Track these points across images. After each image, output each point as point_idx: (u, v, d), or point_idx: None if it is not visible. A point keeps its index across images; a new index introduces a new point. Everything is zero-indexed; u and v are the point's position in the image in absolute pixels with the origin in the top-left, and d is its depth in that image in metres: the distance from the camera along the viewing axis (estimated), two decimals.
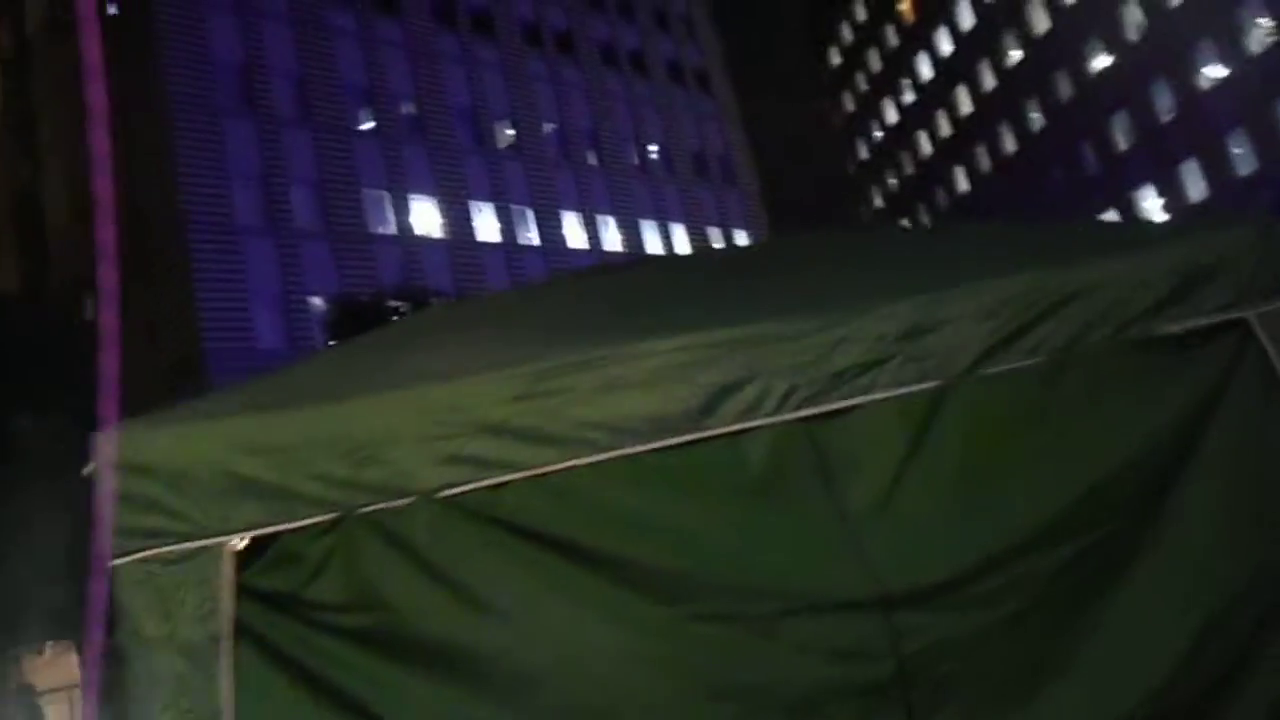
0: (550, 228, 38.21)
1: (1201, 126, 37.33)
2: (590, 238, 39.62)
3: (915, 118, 60.98)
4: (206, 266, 27.51)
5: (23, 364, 32.54)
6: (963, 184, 57.07)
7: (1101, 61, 43.33)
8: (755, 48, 77.92)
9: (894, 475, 2.16)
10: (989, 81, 52.25)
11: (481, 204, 36.24)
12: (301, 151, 31.03)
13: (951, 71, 55.61)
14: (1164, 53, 38.68)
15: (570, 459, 2.01)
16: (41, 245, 37.31)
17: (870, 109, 67.27)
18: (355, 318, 21.64)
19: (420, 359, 2.25)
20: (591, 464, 2.01)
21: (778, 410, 2.13)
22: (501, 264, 35.73)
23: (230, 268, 28.00)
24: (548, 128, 40.13)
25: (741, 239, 46.39)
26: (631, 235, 41.25)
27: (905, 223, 59.02)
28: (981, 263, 2.50)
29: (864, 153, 69.80)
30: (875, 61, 65.43)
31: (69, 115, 35.30)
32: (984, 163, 54.17)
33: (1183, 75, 38.43)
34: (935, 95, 57.86)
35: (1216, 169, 37.41)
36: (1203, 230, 2.58)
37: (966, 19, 53.38)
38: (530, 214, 37.78)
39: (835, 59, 71.17)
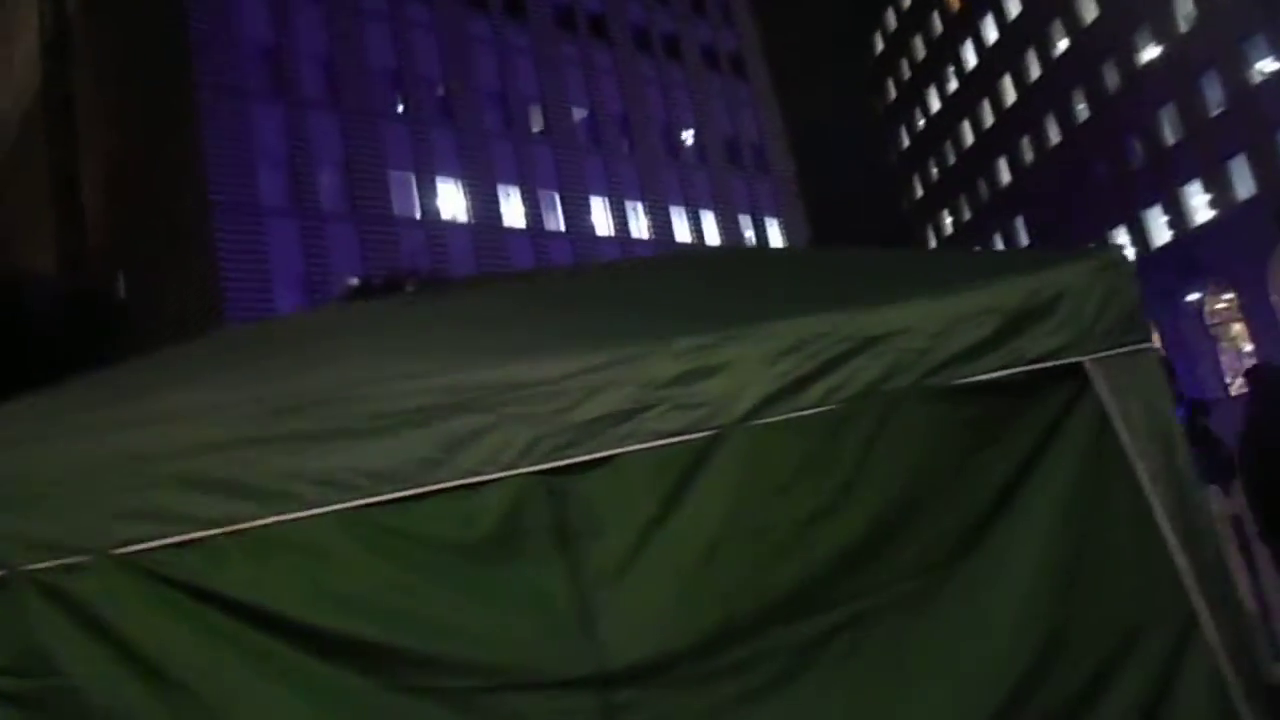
0: (577, 214, 38.01)
1: (1252, 121, 36.14)
2: (618, 225, 39.36)
3: (959, 106, 59.88)
4: (231, 248, 27.72)
5: (55, 343, 33.22)
6: (1005, 175, 55.98)
7: (1150, 53, 42.11)
8: (796, 34, 76.98)
9: (640, 536, 1.97)
10: (1034, 70, 51.10)
11: (509, 188, 36.11)
12: (328, 134, 31.10)
13: (996, 60, 54.47)
14: (1215, 45, 37.48)
15: (273, 515, 1.84)
16: (80, 225, 37.99)
17: (913, 97, 66.18)
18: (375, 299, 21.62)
19: (164, 394, 2.10)
20: (296, 520, 1.84)
21: (517, 462, 1.96)
22: (527, 249, 35.63)
23: (254, 249, 28.19)
24: (578, 113, 39.83)
25: (774, 228, 45.90)
26: (661, 223, 40.93)
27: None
28: (784, 299, 2.30)
29: (906, 141, 68.71)
30: (920, 48, 64.33)
31: (108, 97, 35.88)
32: (1027, 154, 53.06)
33: (1234, 69, 37.21)
34: (979, 84, 56.74)
35: (1265, 166, 36.20)
36: (1045, 266, 2.35)
37: (1014, 7, 52.22)
38: (557, 199, 37.59)
39: (879, 45, 70.08)
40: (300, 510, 1.84)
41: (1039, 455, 2.27)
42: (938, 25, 61.34)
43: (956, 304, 2.22)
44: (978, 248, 54.95)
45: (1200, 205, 40.39)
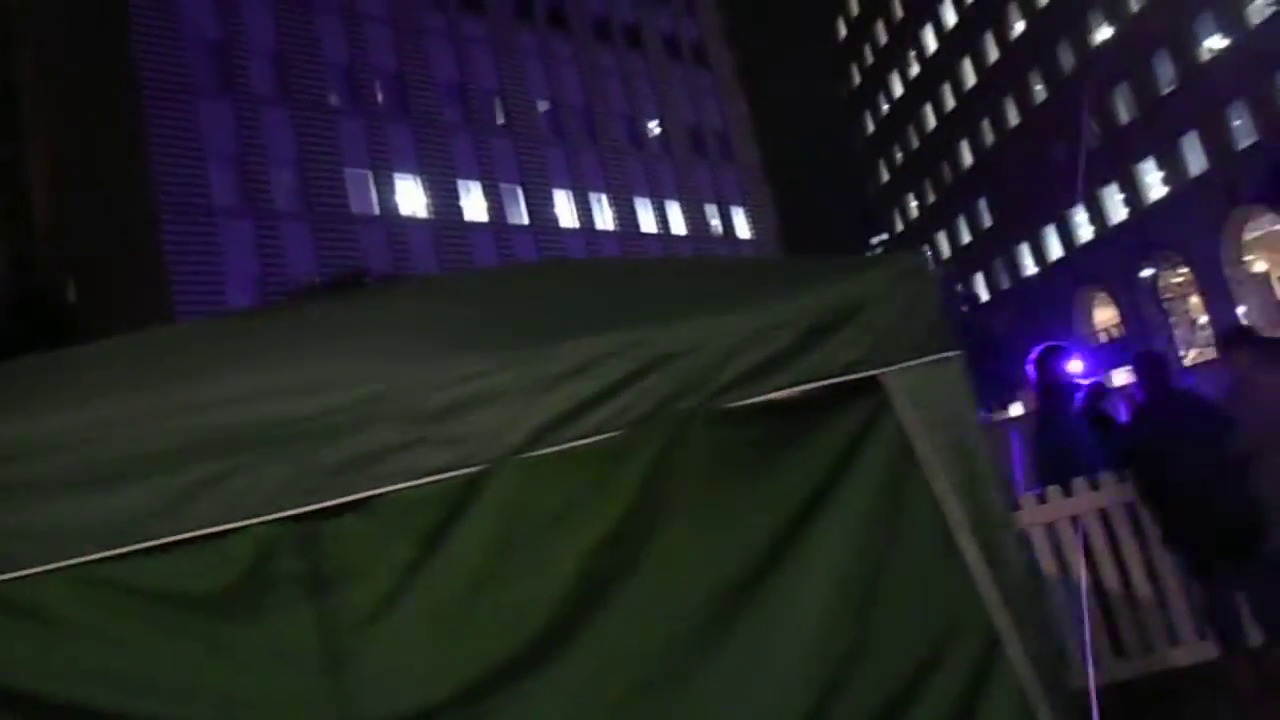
0: (541, 207, 37.79)
1: (1201, 99, 36.48)
2: (582, 217, 39.17)
3: (920, 90, 60.07)
4: (180, 249, 27.31)
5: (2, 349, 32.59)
6: (967, 157, 56.23)
7: (1103, 33, 42.42)
8: (761, 21, 76.87)
9: (396, 582, 1.88)
10: (993, 53, 51.31)
11: (469, 183, 35.84)
12: (280, 131, 30.69)
13: (955, 43, 54.66)
14: (1165, 24, 37.78)
15: None
16: (27, 225, 37.31)
17: (877, 82, 66.34)
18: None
19: None
20: (14, 580, 1.73)
21: (264, 508, 1.85)
22: (490, 244, 35.41)
23: (205, 250, 27.80)
24: (538, 104, 39.57)
25: (740, 217, 45.88)
26: (626, 214, 40.79)
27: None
28: (578, 316, 2.20)
29: (871, 126, 68.88)
30: (881, 33, 64.46)
31: (51, 91, 35.16)
32: (988, 136, 53.31)
33: (1183, 47, 37.52)
34: (940, 68, 56.92)
35: (1215, 142, 36.59)
36: (845, 275, 2.28)
37: None
38: (520, 192, 37.35)
39: (843, 31, 70.14)
40: (19, 569, 1.73)
41: (839, 472, 2.20)
42: (898, 10, 61.45)
43: (749, 319, 2.14)
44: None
45: (1154, 183, 40.78)
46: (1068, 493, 4.90)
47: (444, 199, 34.68)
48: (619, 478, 2.02)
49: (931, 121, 59.51)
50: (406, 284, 3.07)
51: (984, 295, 55.78)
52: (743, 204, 45.94)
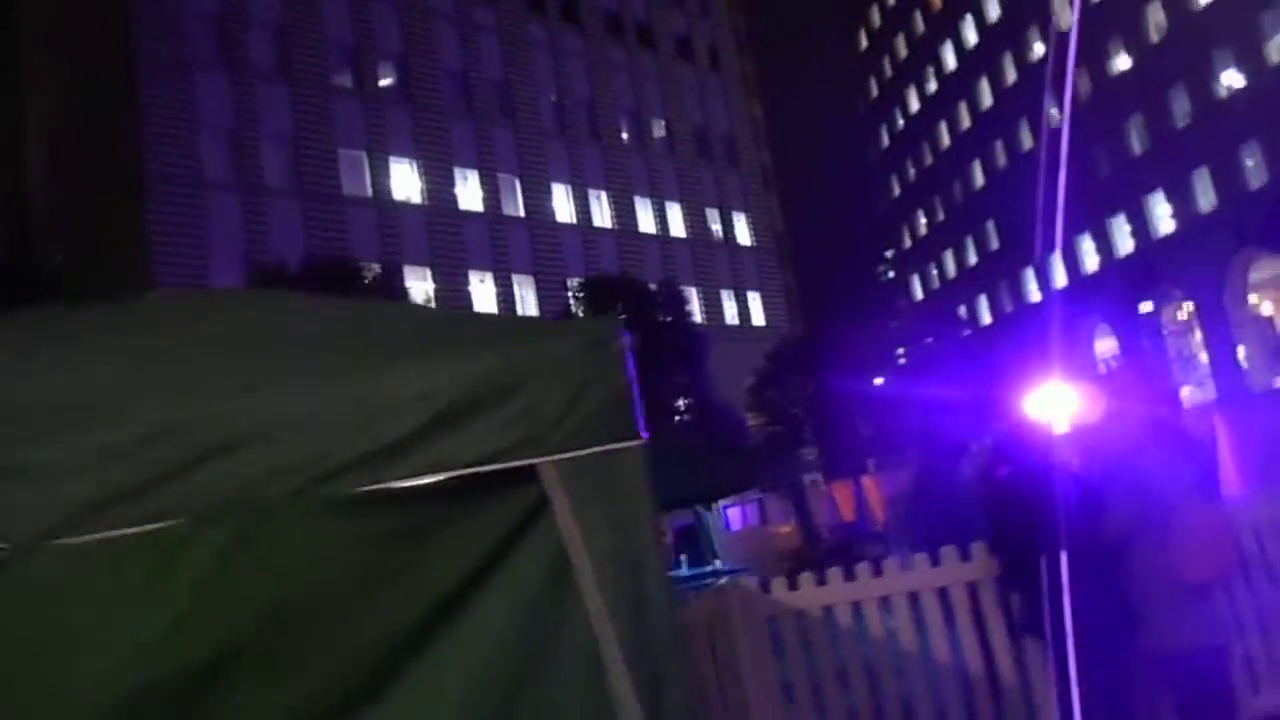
0: (538, 200, 37.47)
1: (1216, 135, 35.97)
2: (580, 212, 38.84)
3: (937, 108, 59.54)
4: (166, 221, 27.07)
5: None
6: (979, 178, 55.70)
7: (1122, 63, 41.89)
8: (782, 26, 76.35)
9: None
10: (1010, 75, 50.78)
11: (467, 171, 35.54)
12: (277, 107, 30.44)
13: (974, 63, 54.14)
14: (1183, 58, 37.25)
15: None
16: (23, 196, 37.12)
17: (894, 96, 65.79)
18: (320, 281, 20.93)
19: None
20: None
21: None
22: (484, 233, 35.12)
23: (191, 224, 27.57)
24: (543, 97, 39.24)
25: (741, 223, 45.49)
26: (625, 212, 40.44)
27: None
28: (141, 381, 1.82)
29: (886, 140, 68.33)
30: (902, 48, 63.92)
31: (50, 62, 34.96)
32: (1000, 159, 52.77)
33: (1201, 82, 36.98)
34: (958, 86, 56.39)
35: (1227, 180, 36.08)
36: (508, 343, 1.91)
37: (993, 10, 51.83)
38: (518, 184, 37.04)
39: (864, 42, 69.59)
40: None
41: (480, 582, 1.83)
42: (920, 25, 60.92)
43: (375, 390, 1.77)
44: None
45: (1163, 216, 40.27)
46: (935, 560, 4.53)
47: (439, 186, 34.39)
48: (175, 573, 1.67)
49: (946, 139, 58.98)
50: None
51: (986, 318, 55.31)
52: (745, 209, 45.58)
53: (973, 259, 57.42)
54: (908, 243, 66.43)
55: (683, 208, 42.67)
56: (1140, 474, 3.89)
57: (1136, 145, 41.54)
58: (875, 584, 4.52)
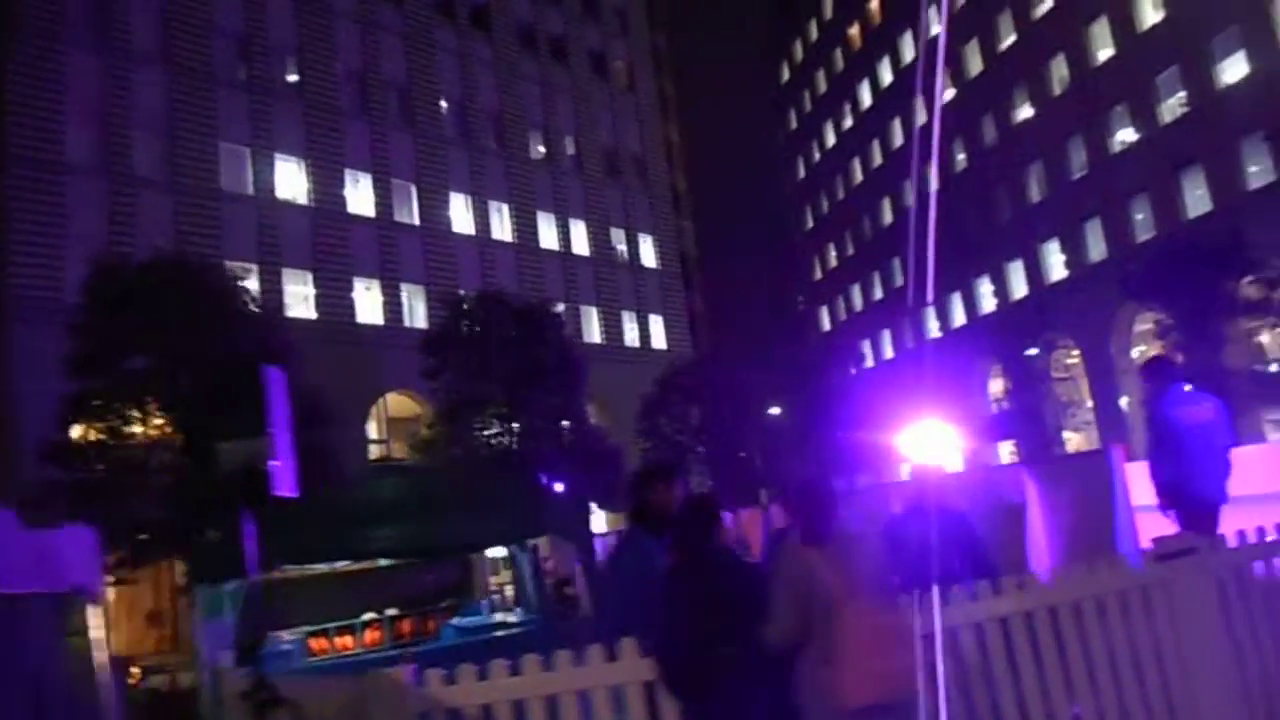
0: (435, 209, 36.35)
1: (1109, 188, 36.83)
2: (479, 224, 37.82)
3: (852, 143, 60.19)
4: (21, 201, 25.29)
5: None
6: (888, 215, 56.35)
7: (1025, 112, 42.76)
8: (703, 52, 76.52)
9: None
10: (921, 115, 51.48)
11: (359, 174, 34.24)
12: (152, 92, 28.79)
13: (889, 102, 54.88)
14: (1082, 110, 38.12)
15: None
16: None
17: (813, 129, 66.41)
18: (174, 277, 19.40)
19: None
20: None
21: None
22: (372, 241, 33.88)
23: (49, 206, 25.81)
24: (446, 103, 38.19)
25: (647, 244, 45.00)
26: (526, 227, 39.54)
27: None
28: None
29: (802, 171, 68.89)
30: (822, 83, 64.59)
31: None
32: (908, 197, 53.43)
33: (1098, 135, 37.86)
34: (872, 124, 57.09)
35: (1117, 231, 36.96)
36: None
37: (908, 52, 52.61)
38: (414, 191, 35.87)
39: (785, 74, 70.20)
40: None
41: None
42: (840, 62, 61.64)
43: None
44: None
45: (1056, 264, 41.10)
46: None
47: (328, 187, 33.05)
48: None
49: (859, 175, 59.64)
50: None
51: (889, 352, 55.87)
52: (652, 231, 45.14)
53: (878, 293, 58.02)
54: (818, 274, 66.91)
55: (587, 226, 41.99)
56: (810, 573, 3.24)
57: (1035, 192, 42.37)
58: (542, 680, 3.78)
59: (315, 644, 11.43)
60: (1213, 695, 4.31)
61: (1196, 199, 34.11)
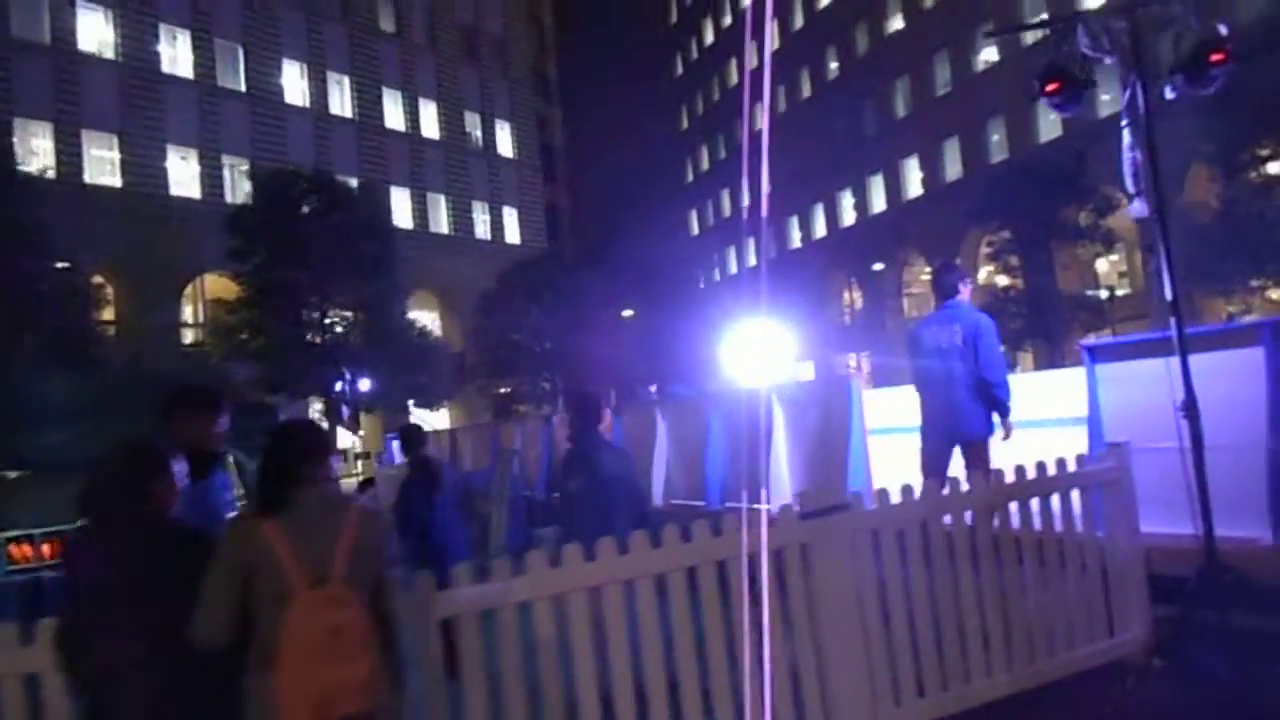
0: (264, 75, 33.34)
1: (968, 108, 36.69)
2: (316, 95, 35.00)
3: (729, 43, 58.61)
4: None
5: None
6: (759, 119, 55.35)
7: (896, 23, 42.08)
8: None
9: None
10: (799, 20, 50.34)
11: (176, 30, 30.96)
12: None
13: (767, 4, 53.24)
14: (951, 26, 37.61)
15: None
16: None
17: (691, 26, 64.34)
18: None
19: None
20: None
21: None
22: (191, 104, 30.89)
23: None
24: None
25: (505, 131, 42.86)
26: (370, 104, 36.86)
27: None
28: None
29: (680, 69, 66.97)
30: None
31: None
32: (781, 103, 52.55)
33: (963, 52, 37.50)
34: (747, 27, 55.47)
35: (973, 151, 37.03)
36: None
37: None
38: (241, 53, 32.73)
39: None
40: None
41: None
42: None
43: None
44: None
45: (915, 180, 41.15)
46: None
47: (139, 42, 29.77)
48: None
49: (734, 78, 58.31)
50: None
51: (753, 259, 55.68)
52: (510, 119, 42.98)
53: (745, 199, 57.44)
54: (690, 177, 65.83)
55: (439, 108, 39.54)
56: None
57: (901, 107, 42.01)
58: None
59: (17, 551, 10.13)
60: (844, 676, 3.57)
61: (1049, 124, 34.29)
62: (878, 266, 38.10)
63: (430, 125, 39.06)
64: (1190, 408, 4.16)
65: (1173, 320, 4.05)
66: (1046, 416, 6.19)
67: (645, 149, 69.18)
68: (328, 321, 22.92)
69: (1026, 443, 6.27)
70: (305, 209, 22.48)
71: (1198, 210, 23.30)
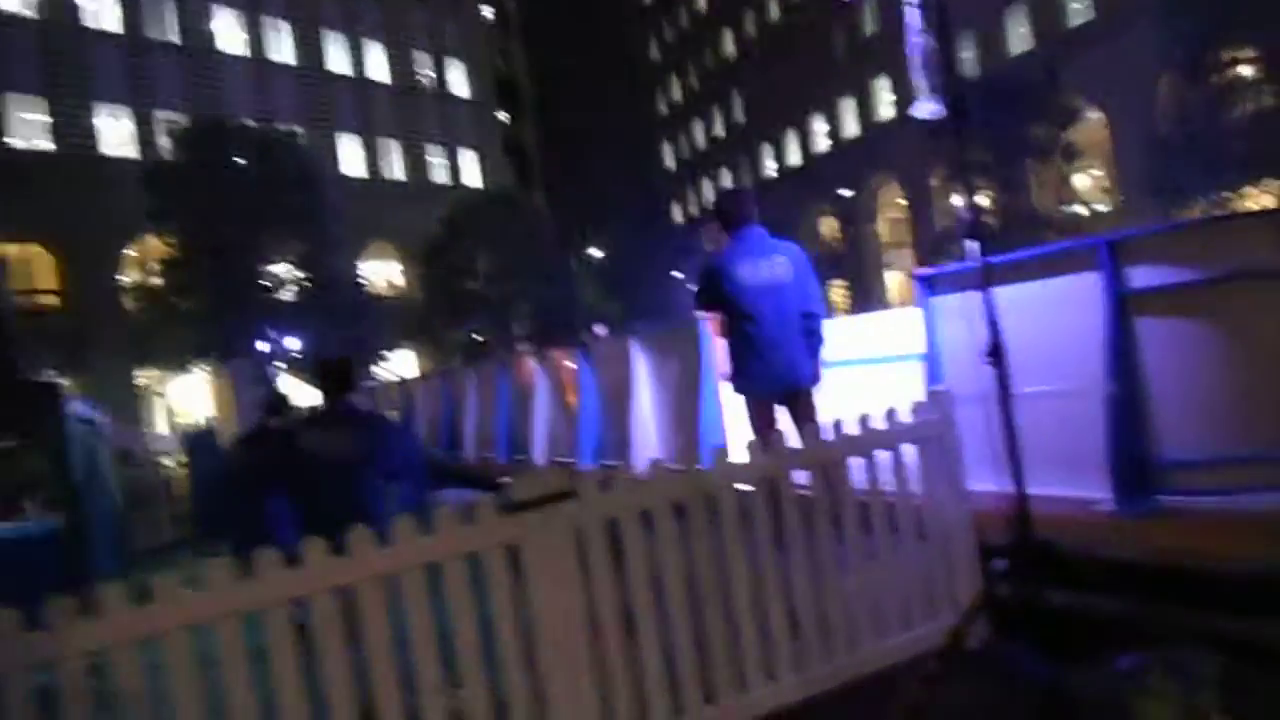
0: (196, 24, 31.84)
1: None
2: (252, 43, 33.50)
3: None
4: None
5: None
6: (729, 47, 53.75)
7: None
8: None
9: None
10: None
11: None
12: None
13: None
14: None
15: None
16: None
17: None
18: None
19: None
20: None
21: None
22: (114, 54, 29.50)
23: None
24: None
25: (458, 70, 41.31)
26: (310, 48, 35.31)
27: None
28: None
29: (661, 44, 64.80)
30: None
31: None
32: (749, 28, 50.89)
33: None
34: None
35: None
36: None
37: None
38: (169, 2, 31.21)
39: None
40: None
41: None
42: None
43: None
44: None
45: (886, 102, 39.85)
46: None
47: None
48: None
49: (704, 5, 56.54)
50: None
51: (728, 184, 54.44)
52: (464, 58, 41.40)
53: (719, 130, 56.09)
54: (664, 109, 64.19)
55: (386, 50, 37.98)
56: None
57: (870, 25, 40.57)
58: None
59: None
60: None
61: (1019, 36, 33.04)
62: (846, 193, 37.02)
63: (378, 68, 37.58)
64: (995, 351, 3.28)
65: (974, 244, 3.19)
66: (888, 353, 5.35)
67: (615, 82, 67.25)
68: (260, 281, 21.96)
69: (863, 383, 5.46)
70: (236, 162, 21.37)
71: (1166, 121, 22.28)
